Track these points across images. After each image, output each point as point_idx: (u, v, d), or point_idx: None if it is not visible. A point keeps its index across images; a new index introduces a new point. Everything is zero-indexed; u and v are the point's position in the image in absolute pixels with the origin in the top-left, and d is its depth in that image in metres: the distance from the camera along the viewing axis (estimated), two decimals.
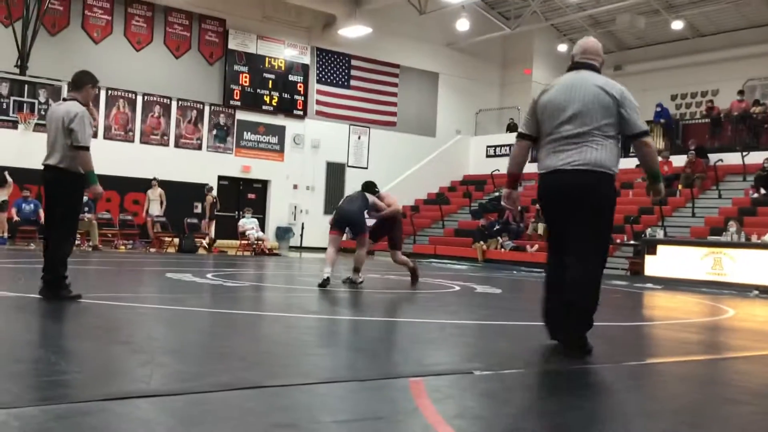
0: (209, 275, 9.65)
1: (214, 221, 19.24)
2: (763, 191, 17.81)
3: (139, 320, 5.28)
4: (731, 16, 24.73)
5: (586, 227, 4.22)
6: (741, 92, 22.42)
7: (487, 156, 26.91)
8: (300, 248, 23.40)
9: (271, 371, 3.55)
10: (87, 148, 5.95)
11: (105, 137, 20.36)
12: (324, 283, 8.20)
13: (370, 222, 9.67)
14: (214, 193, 19.85)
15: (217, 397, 2.91)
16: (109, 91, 20.67)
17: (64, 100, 6.28)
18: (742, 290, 12.22)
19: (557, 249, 4.42)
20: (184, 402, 2.81)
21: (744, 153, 19.26)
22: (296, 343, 4.53)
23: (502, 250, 19.14)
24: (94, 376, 3.28)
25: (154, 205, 18.51)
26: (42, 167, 6.10)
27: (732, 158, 19.75)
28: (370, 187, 9.67)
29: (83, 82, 6.18)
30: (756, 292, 11.97)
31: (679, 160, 20.33)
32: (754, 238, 13.88)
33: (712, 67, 25.43)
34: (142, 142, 21.15)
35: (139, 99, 21.19)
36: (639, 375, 4.02)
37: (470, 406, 3.05)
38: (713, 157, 19.92)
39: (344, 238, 9.79)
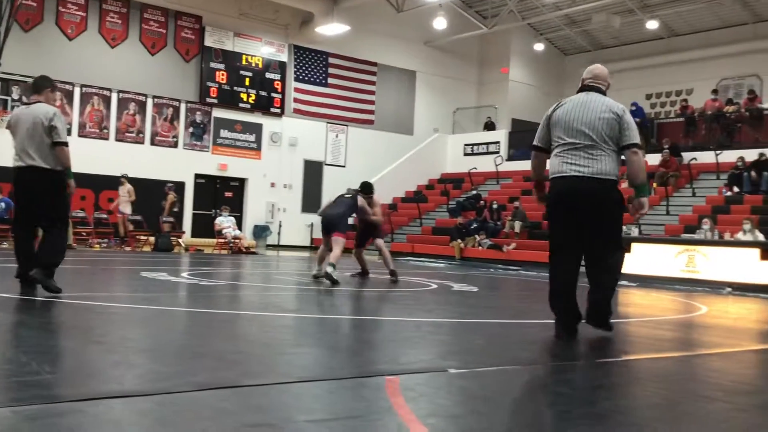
0: (185, 274, 9.58)
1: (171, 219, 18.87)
2: (736, 189, 18.05)
3: (113, 320, 5.23)
4: (705, 16, 25.04)
5: (609, 228, 4.98)
6: (715, 91, 22.71)
7: (465, 154, 27.01)
8: (278, 246, 23.33)
9: (246, 370, 3.53)
10: (67, 144, 6.25)
11: (79, 135, 20.16)
12: (317, 277, 9.24)
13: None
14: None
15: (191, 396, 2.89)
16: (84, 88, 20.47)
17: (26, 104, 6.48)
18: (715, 287, 12.37)
19: (564, 246, 5.02)
20: (157, 402, 2.79)
21: (717, 152, 19.50)
22: (272, 342, 4.52)
23: (480, 248, 19.21)
24: (66, 377, 3.25)
25: (124, 202, 18.22)
26: (15, 168, 6.23)
27: (706, 157, 19.99)
28: (365, 189, 10.11)
29: (43, 86, 6.42)
30: (729, 289, 12.12)
31: (653, 159, 20.52)
32: (727, 236, 14.05)
33: (686, 67, 25.75)
34: (117, 139, 20.97)
35: (114, 96, 21.01)
36: (613, 372, 4.05)
37: (444, 405, 3.06)
38: (687, 156, 20.14)
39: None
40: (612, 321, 5.17)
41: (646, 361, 4.56)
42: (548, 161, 5.15)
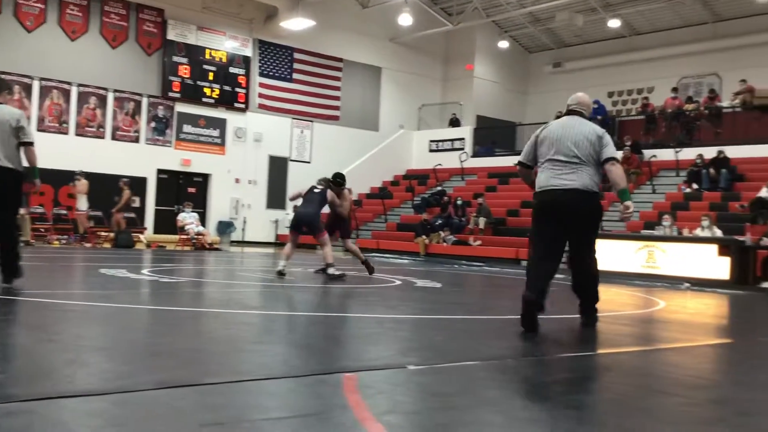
0: (145, 271, 9.46)
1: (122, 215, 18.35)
2: (695, 186, 18.37)
3: (68, 317, 5.14)
4: (666, 15, 25.41)
5: (588, 235, 5.54)
6: (675, 90, 23.07)
7: (430, 151, 27.09)
8: (242, 243, 23.16)
9: (203, 369, 3.49)
10: (33, 144, 6.52)
11: (38, 129, 19.73)
12: (280, 273, 9.19)
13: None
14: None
15: (145, 396, 2.85)
16: (43, 82, 20.08)
17: None
18: (674, 282, 12.58)
19: (546, 250, 5.43)
20: (111, 402, 2.74)
21: (677, 149, 19.82)
22: (231, 340, 4.48)
23: (444, 244, 19.29)
24: (17, 376, 3.18)
25: (81, 199, 17.83)
26: None
27: (666, 154, 20.31)
28: (336, 181, 10.40)
29: (2, 88, 6.71)
30: (687, 284, 12.34)
31: None
32: (685, 232, 14.30)
33: (647, 65, 26.11)
34: (77, 134, 20.60)
35: (74, 90, 20.64)
36: (572, 368, 4.09)
37: (402, 401, 3.06)
38: (648, 153, 20.45)
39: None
40: (569, 317, 5.22)
41: (604, 356, 4.62)
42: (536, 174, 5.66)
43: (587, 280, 5.71)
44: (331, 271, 9.50)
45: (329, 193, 9.98)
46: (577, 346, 5.03)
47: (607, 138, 5.48)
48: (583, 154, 5.35)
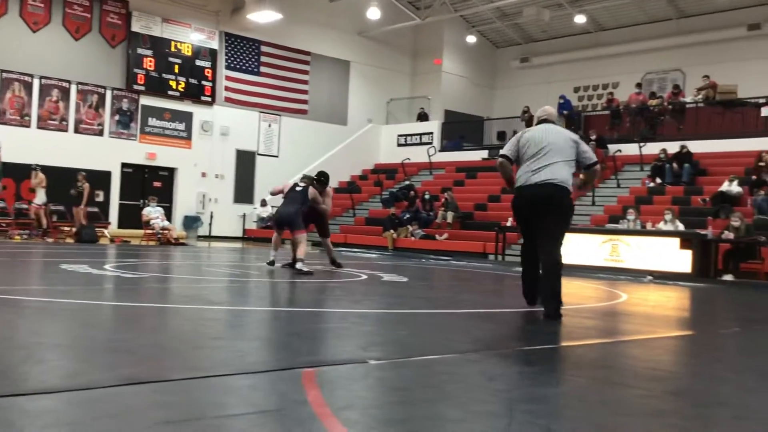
0: (107, 266, 9.32)
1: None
2: (658, 180, 18.62)
3: (25, 314, 5.04)
4: (632, 11, 25.69)
5: (559, 225, 6.11)
6: (639, 85, 23.35)
7: (398, 145, 27.11)
8: (209, 237, 22.96)
9: (161, 366, 3.44)
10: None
11: None
12: (271, 263, 10.01)
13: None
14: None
15: (100, 394, 2.80)
16: (4, 74, 19.71)
17: None
18: (637, 275, 12.76)
19: (530, 237, 6.37)
20: (63, 400, 2.69)
21: (641, 144, 20.07)
22: (192, 336, 4.43)
23: (412, 238, 19.32)
24: None
25: (39, 192, 17.47)
26: None
27: (630, 149, 20.56)
28: (320, 179, 10.63)
29: None
30: (650, 277, 12.52)
31: None
32: (649, 226, 14.49)
33: (612, 61, 26.40)
34: (38, 127, 20.25)
35: (36, 82, 20.28)
36: (530, 361, 4.11)
37: (361, 396, 3.05)
38: (612, 148, 20.68)
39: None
40: (531, 310, 5.25)
41: (565, 348, 4.66)
42: (517, 170, 6.39)
43: (546, 272, 6.07)
44: (299, 266, 9.55)
45: (311, 191, 10.16)
46: (539, 339, 5.05)
47: (583, 145, 6.35)
48: (563, 156, 6.13)
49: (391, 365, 3.70)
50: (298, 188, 10.21)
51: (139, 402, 2.74)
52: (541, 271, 6.13)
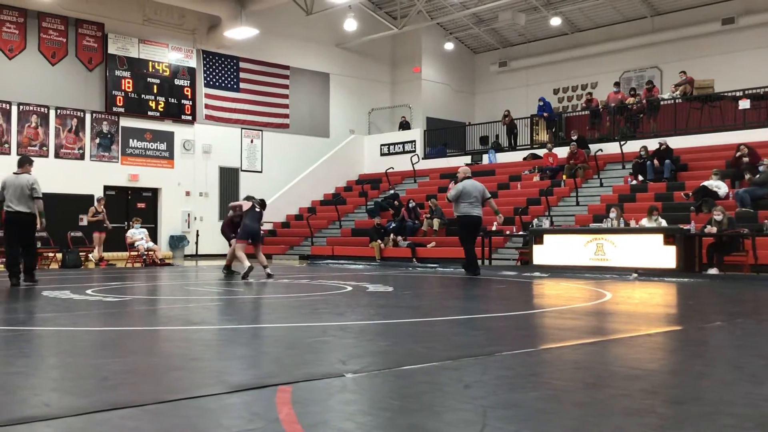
0: (89, 291, 9.26)
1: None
2: (640, 178, 18.71)
3: None
4: (606, 12, 25.90)
5: (476, 234, 13.10)
6: (617, 84, 23.51)
7: (382, 154, 27.15)
8: (196, 256, 22.86)
9: (133, 390, 3.41)
10: (42, 198, 10.39)
11: None
12: (249, 272, 11.55)
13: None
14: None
15: (64, 423, 2.77)
16: None
17: (15, 174, 10.45)
18: (622, 273, 12.79)
19: (471, 242, 12.73)
20: (34, 430, 2.66)
21: (622, 142, 20.18)
22: (167, 357, 4.40)
23: (399, 247, 19.29)
24: None
25: None
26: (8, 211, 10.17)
27: (611, 148, 20.69)
28: (264, 204, 12.79)
29: (26, 162, 10.60)
30: (635, 274, 12.55)
31: (562, 152, 21.11)
32: (632, 223, 14.54)
33: (590, 61, 26.59)
34: (18, 153, 20.04)
35: (14, 109, 20.21)
36: (508, 365, 4.10)
37: (335, 411, 3.03)
38: (594, 147, 20.79)
39: None
40: (513, 313, 5.24)
41: (544, 351, 4.65)
42: (461, 205, 12.47)
43: (468, 253, 12.64)
44: (269, 271, 11.88)
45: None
46: (518, 343, 5.05)
47: (486, 192, 12.73)
48: (481, 198, 12.50)
49: (368, 377, 3.68)
50: (256, 209, 12.24)
51: (111, 428, 2.71)
52: (468, 255, 12.60)
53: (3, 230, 11.13)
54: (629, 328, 5.84)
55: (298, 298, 8.58)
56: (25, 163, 10.67)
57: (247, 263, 11.68)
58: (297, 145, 26.24)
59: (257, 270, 12.08)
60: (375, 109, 28.82)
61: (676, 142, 19.21)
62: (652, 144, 19.18)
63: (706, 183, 16.29)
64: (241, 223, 12.24)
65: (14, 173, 10.63)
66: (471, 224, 12.50)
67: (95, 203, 18.64)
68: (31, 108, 20.48)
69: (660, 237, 13.42)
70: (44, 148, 20.61)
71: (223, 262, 13.33)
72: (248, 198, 12.74)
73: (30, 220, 10.32)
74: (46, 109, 20.71)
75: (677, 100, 21.00)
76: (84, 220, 19.02)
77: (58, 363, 4.28)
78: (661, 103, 21.24)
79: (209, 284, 11.31)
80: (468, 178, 12.49)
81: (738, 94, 19.88)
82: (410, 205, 21.03)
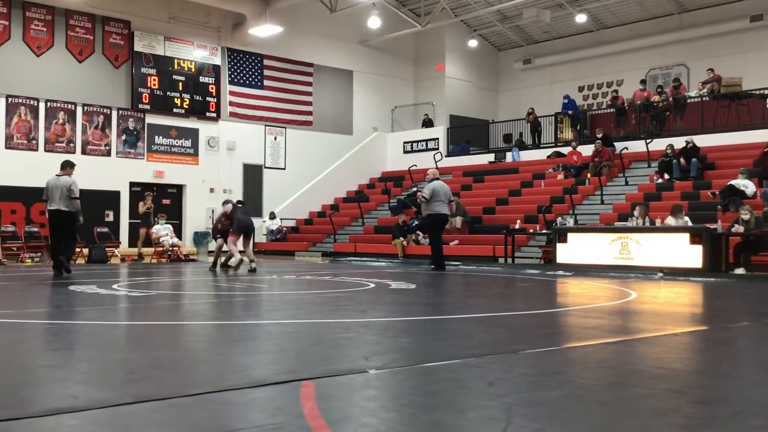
0: (115, 286, 9.36)
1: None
2: (666, 176, 18.52)
3: (26, 338, 5.06)
4: (632, 8, 25.64)
5: (441, 229, 14.82)
6: (643, 81, 23.27)
7: (404, 152, 27.13)
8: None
9: (159, 383, 3.45)
10: (79, 198, 11.48)
11: (7, 147, 19.59)
12: (239, 264, 12.62)
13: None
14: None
15: (93, 415, 2.80)
16: (10, 99, 19.87)
17: (57, 175, 11.51)
18: (647, 273, 12.67)
19: (440, 237, 14.32)
20: (63, 422, 2.69)
21: (648, 140, 19.98)
22: (192, 352, 4.43)
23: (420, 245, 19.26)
24: None
25: None
26: (49, 210, 11.54)
27: (637, 146, 20.48)
28: (243, 204, 13.75)
29: (67, 166, 11.67)
30: (660, 274, 12.42)
31: (587, 150, 20.94)
32: (658, 222, 14.40)
33: (616, 58, 26.34)
34: (46, 150, 20.39)
35: (42, 106, 20.44)
36: (532, 364, 4.08)
37: (358, 407, 3.04)
38: (619, 146, 20.59)
39: None
40: (536, 312, 5.21)
41: (568, 350, 4.62)
42: (433, 204, 13.59)
43: (435, 248, 13.94)
44: (254, 265, 12.65)
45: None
46: (542, 341, 5.02)
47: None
48: (446, 197, 13.65)
49: (391, 374, 3.68)
50: (244, 205, 13.40)
51: (136, 421, 2.74)
52: (437, 251, 13.82)
53: (47, 227, 12.38)
54: (654, 328, 5.79)
55: (321, 295, 8.61)
56: (66, 167, 11.71)
57: (238, 256, 12.63)
58: (320, 142, 26.30)
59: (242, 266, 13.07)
60: (398, 106, 28.79)
61: (702, 141, 18.98)
62: (679, 142, 18.96)
63: (733, 182, 16.08)
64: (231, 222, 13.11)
65: (56, 175, 11.65)
66: (441, 222, 13.95)
67: (145, 198, 19.23)
68: (59, 105, 20.72)
69: (686, 236, 13.27)
70: (71, 145, 20.85)
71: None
72: (226, 202, 13.78)
73: (69, 217, 11.42)
74: (73, 105, 20.95)
75: (704, 98, 20.75)
76: (110, 216, 19.26)
77: (86, 356, 4.33)
78: (688, 101, 21.00)
79: (233, 280, 11.38)
80: (437, 179, 13.78)
81: (766, 92, 19.59)
82: None
